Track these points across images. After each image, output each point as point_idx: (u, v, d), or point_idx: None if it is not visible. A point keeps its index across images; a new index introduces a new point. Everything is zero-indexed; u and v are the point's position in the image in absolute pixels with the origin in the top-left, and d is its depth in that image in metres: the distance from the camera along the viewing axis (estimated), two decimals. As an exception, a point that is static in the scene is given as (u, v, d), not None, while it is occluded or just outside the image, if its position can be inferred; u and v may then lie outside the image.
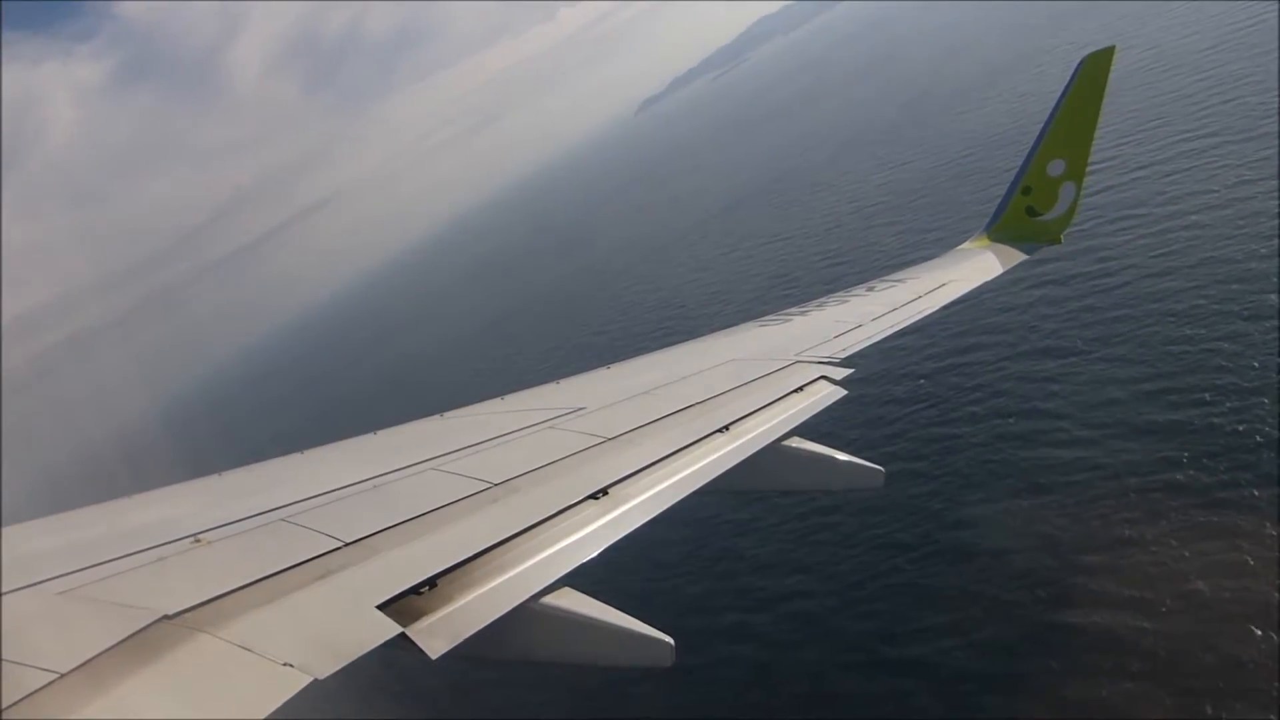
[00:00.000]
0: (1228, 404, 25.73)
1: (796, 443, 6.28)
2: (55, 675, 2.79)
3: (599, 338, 68.00)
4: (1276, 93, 48.15)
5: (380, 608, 3.55)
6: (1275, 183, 38.42)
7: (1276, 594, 18.71)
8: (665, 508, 4.95)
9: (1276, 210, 36.02)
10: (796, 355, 7.81)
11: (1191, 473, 23.48)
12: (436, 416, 7.31)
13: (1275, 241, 33.84)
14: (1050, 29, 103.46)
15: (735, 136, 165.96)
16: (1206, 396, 26.54)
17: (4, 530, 4.76)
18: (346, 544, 4.08)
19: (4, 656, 2.90)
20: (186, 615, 3.31)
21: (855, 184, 75.98)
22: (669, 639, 4.20)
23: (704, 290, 67.48)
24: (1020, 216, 12.40)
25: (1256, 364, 27.02)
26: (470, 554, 4.06)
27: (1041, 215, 12.24)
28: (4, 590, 3.60)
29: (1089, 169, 12.16)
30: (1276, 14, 58.47)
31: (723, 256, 74.81)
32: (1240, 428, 24.50)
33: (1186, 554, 20.96)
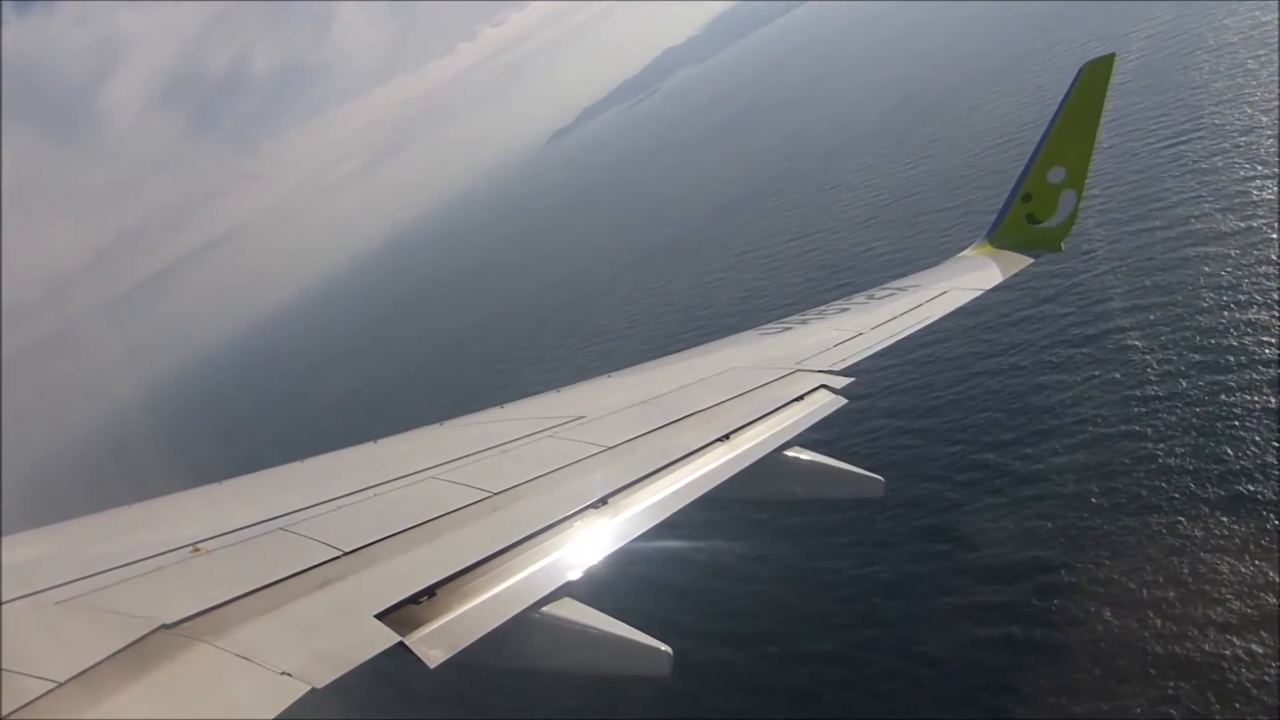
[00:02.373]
0: (1229, 409, 25.71)
1: (797, 452, 6.26)
2: (54, 684, 2.79)
3: (504, 392, 66.78)
4: (1277, 92, 48.17)
5: (379, 617, 3.54)
6: (1275, 181, 38.44)
7: (1275, 597, 18.69)
8: (665, 517, 4.94)
9: (1277, 210, 36.03)
10: (797, 364, 7.79)
11: (1191, 479, 23.46)
12: (436, 425, 7.29)
13: (1276, 240, 33.87)
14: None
15: (657, 163, 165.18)
16: (1207, 400, 26.51)
17: (3, 540, 4.76)
18: (345, 553, 4.07)
19: (3, 665, 2.89)
20: (185, 624, 3.31)
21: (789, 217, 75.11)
22: (667, 648, 4.19)
23: (629, 331, 66.36)
24: (1020, 224, 12.40)
25: (1259, 370, 27.01)
26: (469, 563, 4.05)
27: (1042, 222, 12.23)
28: (3, 599, 3.60)
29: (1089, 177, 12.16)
30: (1276, 14, 58.47)
31: (660, 289, 73.41)
32: (1242, 433, 24.47)
33: (1185, 558, 20.91)
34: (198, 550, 4.20)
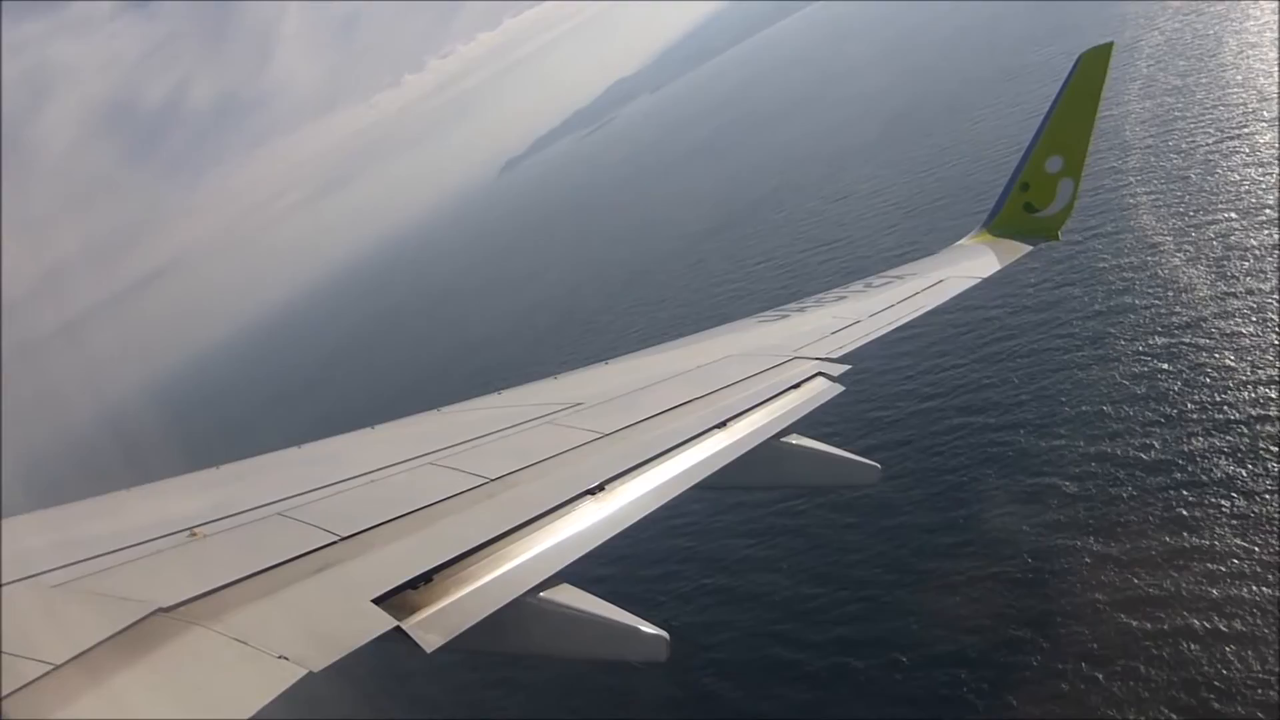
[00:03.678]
0: (1227, 401, 25.79)
1: (793, 439, 6.27)
2: (51, 667, 2.79)
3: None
4: (1277, 94, 48.16)
5: (376, 602, 3.55)
6: (1275, 182, 38.47)
7: (1273, 598, 18.79)
8: (662, 503, 4.95)
9: (1276, 207, 36.09)
10: (794, 352, 7.79)
11: (1189, 473, 23.56)
12: (434, 412, 7.29)
13: (1276, 236, 33.93)
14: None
15: (634, 185, 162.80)
16: (1205, 395, 26.60)
17: (2, 523, 4.76)
18: (343, 538, 4.08)
19: (1, 648, 2.90)
20: (182, 608, 3.31)
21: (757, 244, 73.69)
22: (664, 634, 4.21)
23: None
24: (1018, 212, 12.38)
25: (1258, 361, 27.10)
26: (466, 549, 4.05)
27: (1039, 211, 12.22)
28: (2, 582, 3.60)
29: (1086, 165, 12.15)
30: (1276, 14, 58.38)
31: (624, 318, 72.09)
32: (1239, 427, 24.56)
33: (1181, 557, 21.01)
34: (195, 534, 4.21)
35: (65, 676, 2.78)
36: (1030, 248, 12.04)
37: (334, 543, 4.03)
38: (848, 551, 26.49)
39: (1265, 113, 46.95)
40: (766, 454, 5.93)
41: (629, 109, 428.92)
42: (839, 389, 6.90)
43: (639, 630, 4.18)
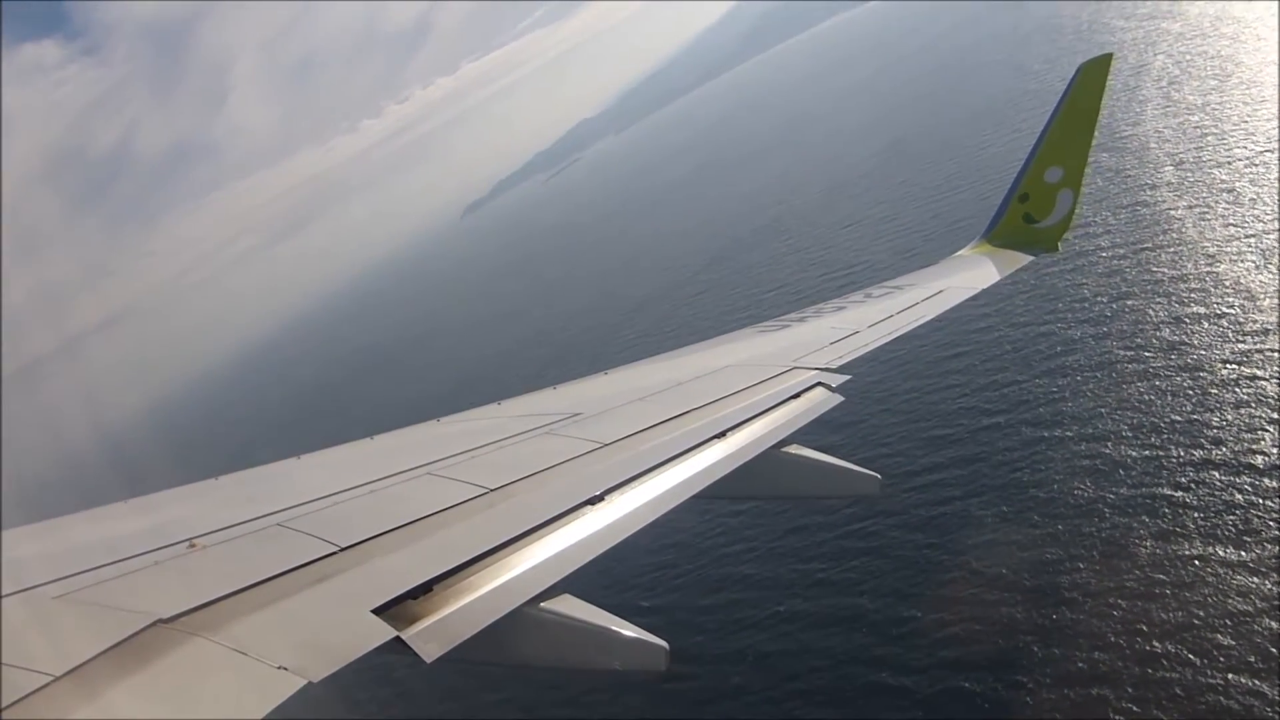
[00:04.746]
0: (1227, 414, 25.79)
1: (793, 449, 6.26)
2: (50, 678, 2.79)
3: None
4: (1277, 95, 48.32)
5: (375, 612, 3.55)
6: (1275, 183, 38.57)
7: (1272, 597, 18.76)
8: (662, 513, 4.95)
9: (1276, 212, 36.16)
10: (793, 362, 7.79)
11: (1190, 487, 23.54)
12: (433, 421, 7.29)
13: (1276, 240, 34.01)
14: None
15: (594, 229, 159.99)
16: (1207, 400, 26.60)
17: (1, 535, 4.76)
18: (342, 549, 4.08)
19: (1, 660, 2.89)
20: (181, 619, 3.31)
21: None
22: (664, 643, 4.20)
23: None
24: (1017, 223, 12.39)
25: (1259, 372, 27.10)
26: (466, 559, 4.05)
27: (1039, 222, 12.22)
28: (1, 594, 3.59)
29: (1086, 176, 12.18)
30: (1276, 14, 58.59)
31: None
32: (1240, 436, 24.55)
33: (1179, 565, 20.98)
34: (194, 546, 4.21)
35: (65, 688, 2.78)
36: (1030, 258, 12.06)
37: (333, 553, 4.03)
38: (841, 554, 26.48)
39: (1264, 114, 47.17)
40: (766, 464, 5.92)
41: (593, 150, 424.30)
42: (838, 399, 6.91)
43: (639, 640, 4.17)
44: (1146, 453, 25.40)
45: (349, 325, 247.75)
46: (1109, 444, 26.57)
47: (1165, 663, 18.43)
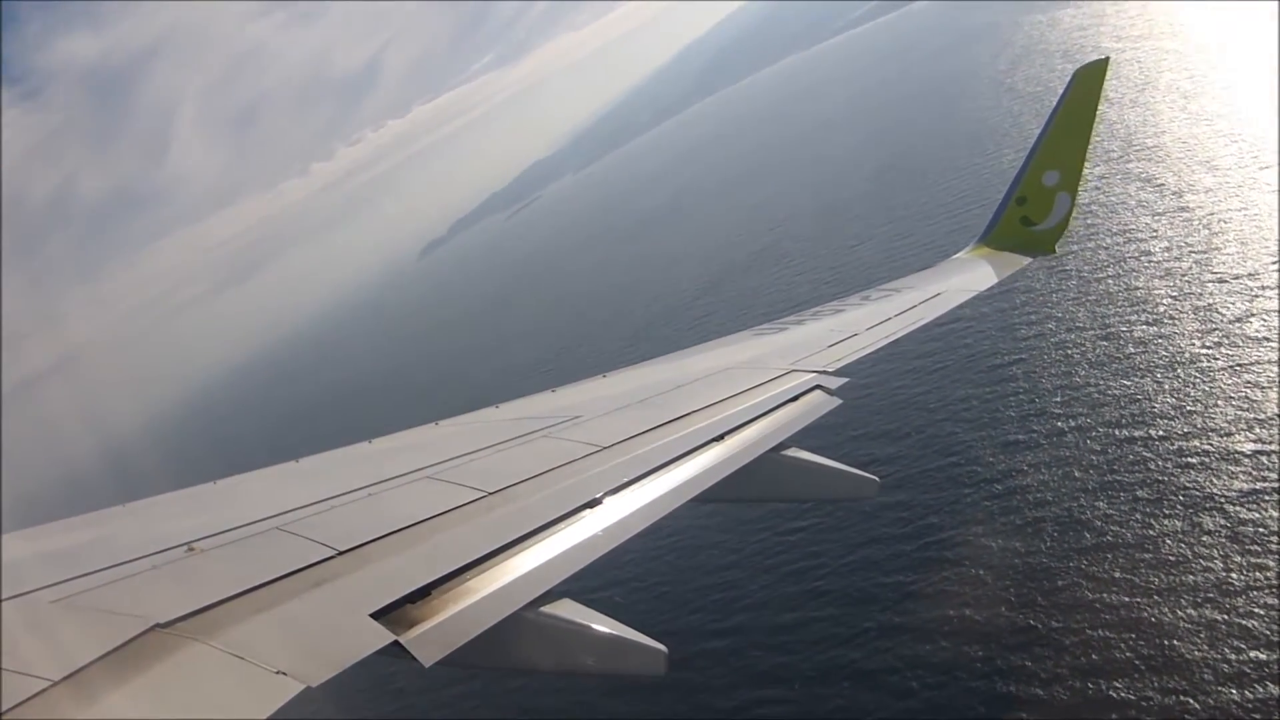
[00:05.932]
0: (1225, 416, 25.83)
1: (791, 452, 6.25)
2: (49, 683, 2.78)
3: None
4: (1276, 97, 48.42)
5: (374, 616, 3.54)
6: (1275, 186, 38.66)
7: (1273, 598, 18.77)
8: (660, 516, 4.94)
9: (1276, 214, 36.23)
10: (791, 365, 7.78)
11: (1188, 488, 23.56)
12: (431, 425, 7.27)
13: (1275, 244, 34.08)
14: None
15: (570, 260, 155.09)
16: (1207, 406, 26.64)
17: (1, 540, 4.74)
18: (341, 552, 4.07)
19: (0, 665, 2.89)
20: (180, 624, 3.30)
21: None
22: (662, 647, 4.19)
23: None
24: (1015, 226, 12.40)
25: (1257, 375, 27.15)
26: (464, 563, 4.04)
27: (1036, 225, 12.24)
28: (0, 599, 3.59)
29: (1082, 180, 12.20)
30: (1276, 14, 58.69)
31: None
32: (1235, 438, 24.58)
33: (1178, 565, 20.99)
34: (193, 549, 4.20)
35: (63, 693, 2.77)
36: (1028, 260, 12.08)
37: (332, 557, 4.02)
38: (838, 557, 26.48)
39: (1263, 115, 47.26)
40: (765, 467, 5.91)
41: (554, 188, 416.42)
42: (837, 402, 6.90)
43: (638, 643, 4.16)
44: (1146, 453, 25.44)
45: (304, 368, 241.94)
46: (1109, 445, 26.61)
47: (1165, 663, 18.44)
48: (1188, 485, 23.35)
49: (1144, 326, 32.92)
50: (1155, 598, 20.08)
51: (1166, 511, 22.71)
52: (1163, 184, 46.10)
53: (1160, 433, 26.17)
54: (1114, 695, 18.22)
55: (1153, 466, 24.71)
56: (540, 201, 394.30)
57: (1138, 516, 22.91)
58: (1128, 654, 18.98)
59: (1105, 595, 20.77)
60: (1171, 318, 32.60)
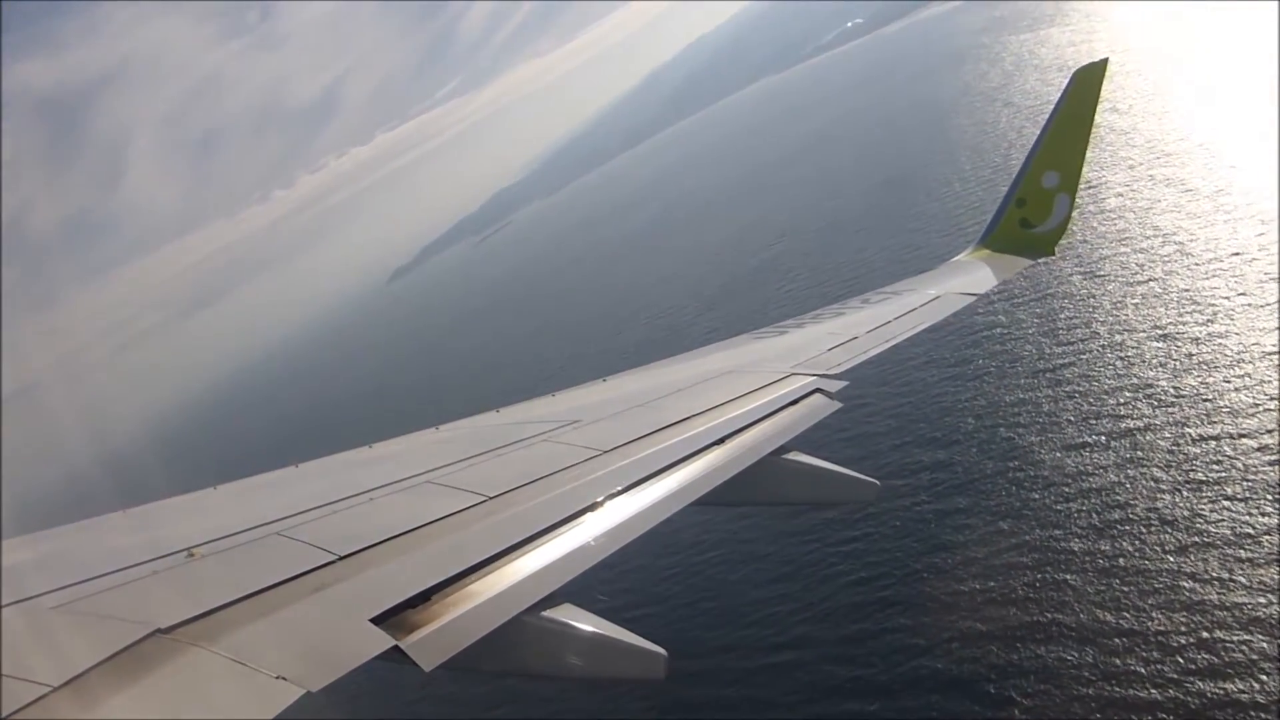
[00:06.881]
0: (1224, 416, 25.80)
1: (792, 456, 6.25)
2: (49, 688, 2.78)
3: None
4: (1276, 98, 48.45)
5: (374, 621, 3.54)
6: (1275, 188, 38.66)
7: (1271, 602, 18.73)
8: (661, 520, 4.94)
9: (1276, 216, 36.24)
10: (792, 368, 7.77)
11: (1186, 489, 23.53)
12: (431, 430, 7.28)
13: (1274, 246, 34.08)
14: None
15: (554, 279, 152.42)
16: (1204, 407, 26.61)
17: (1, 545, 4.75)
18: (341, 557, 4.07)
19: (0, 670, 2.89)
20: (180, 629, 3.30)
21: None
22: (662, 651, 4.19)
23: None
24: (1014, 228, 12.38)
25: (1253, 374, 27.13)
26: (465, 567, 4.04)
27: (1036, 227, 12.22)
28: (1, 604, 3.59)
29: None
30: (1276, 14, 58.71)
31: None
32: (1234, 437, 24.55)
33: (1177, 566, 20.97)
34: (193, 555, 4.20)
35: (63, 698, 2.77)
36: (1028, 263, 12.07)
37: (332, 562, 4.02)
38: (839, 560, 26.42)
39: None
40: (765, 471, 5.91)
41: (524, 213, 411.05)
42: (837, 405, 6.90)
43: (639, 648, 4.16)
44: (1144, 453, 25.42)
45: (273, 393, 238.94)
46: (1108, 446, 26.57)
47: (1164, 662, 18.40)
48: (1192, 482, 23.29)
49: (1145, 327, 32.92)
50: (1163, 597, 20.00)
51: (1172, 510, 22.68)
52: (1169, 182, 46.14)
53: (1164, 426, 26.17)
54: (1116, 694, 18.16)
55: (1160, 465, 24.71)
56: (510, 228, 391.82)
57: (1143, 515, 22.84)
58: (1133, 652, 18.93)
59: (1111, 592, 20.60)
60: (1172, 321, 32.60)
